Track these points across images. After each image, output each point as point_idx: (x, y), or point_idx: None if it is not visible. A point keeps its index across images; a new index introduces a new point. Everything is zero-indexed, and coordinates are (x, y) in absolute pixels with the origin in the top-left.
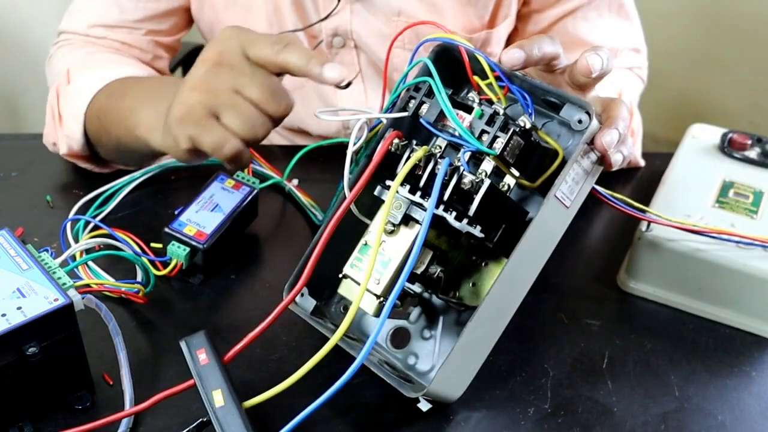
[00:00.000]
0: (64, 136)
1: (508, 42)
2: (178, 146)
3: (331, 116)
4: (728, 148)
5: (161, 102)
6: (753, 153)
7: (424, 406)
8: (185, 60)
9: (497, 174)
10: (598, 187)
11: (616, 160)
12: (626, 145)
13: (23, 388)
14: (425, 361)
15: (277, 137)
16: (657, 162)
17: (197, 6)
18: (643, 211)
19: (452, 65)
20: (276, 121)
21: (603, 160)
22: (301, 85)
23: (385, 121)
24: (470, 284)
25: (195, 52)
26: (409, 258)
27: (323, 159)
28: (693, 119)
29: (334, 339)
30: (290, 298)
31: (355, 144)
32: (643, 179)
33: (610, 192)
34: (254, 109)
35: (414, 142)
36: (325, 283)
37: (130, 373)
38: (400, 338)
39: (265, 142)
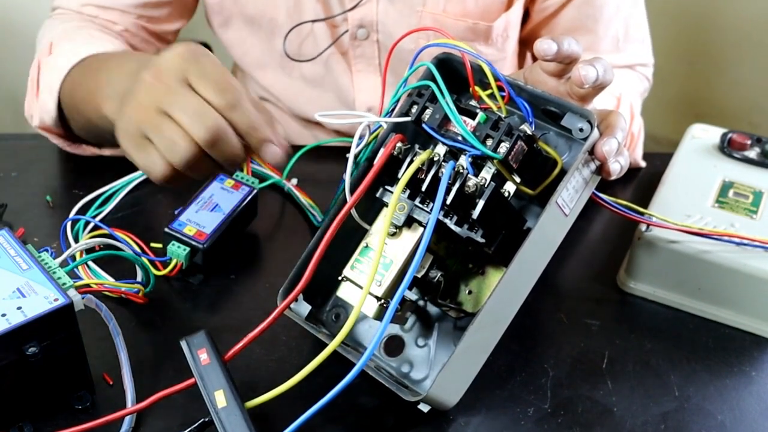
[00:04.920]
0: (38, 108)
1: (522, 41)
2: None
3: (331, 119)
4: (728, 148)
5: (128, 79)
6: (753, 153)
7: (424, 407)
8: None
9: (497, 181)
10: (597, 193)
11: (614, 170)
12: (624, 156)
13: (23, 388)
14: (420, 369)
15: (294, 128)
16: (657, 162)
17: None
18: (643, 214)
19: (450, 75)
20: (202, 148)
21: (602, 169)
22: (320, 82)
23: (385, 125)
24: (467, 292)
25: None
26: (412, 261)
27: (323, 159)
28: (693, 119)
29: (337, 340)
30: (286, 304)
31: (356, 147)
32: (643, 179)
33: (610, 198)
34: (175, 129)
35: (416, 146)
36: (319, 287)
37: (131, 373)
38: (394, 346)
39: None
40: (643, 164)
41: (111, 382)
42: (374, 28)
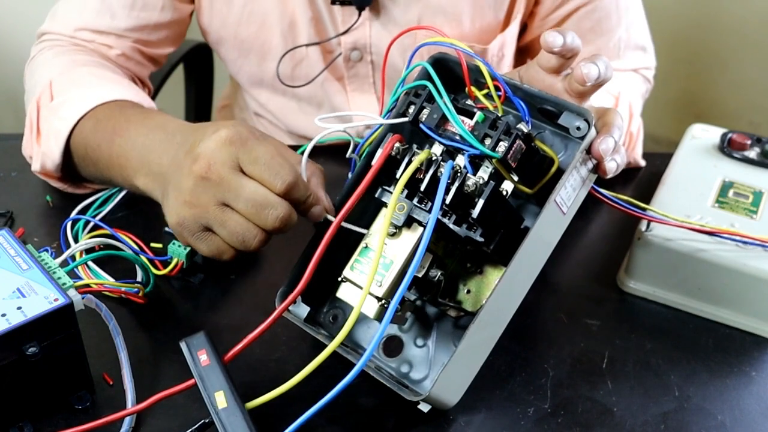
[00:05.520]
0: (41, 153)
1: (520, 50)
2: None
3: (331, 124)
4: (728, 148)
5: (159, 162)
6: (753, 153)
7: (424, 407)
8: (186, 57)
9: (494, 180)
10: (598, 188)
11: (611, 168)
12: (620, 154)
13: (23, 388)
14: (419, 369)
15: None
16: (657, 162)
17: (208, 18)
18: (644, 210)
19: (445, 75)
20: (270, 232)
21: (598, 167)
22: (315, 101)
23: (383, 126)
24: (465, 291)
25: (196, 50)
26: (412, 261)
27: (323, 158)
28: (693, 119)
29: (337, 340)
30: (284, 307)
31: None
32: (643, 179)
33: (610, 192)
34: (243, 223)
35: (415, 146)
36: (317, 289)
37: (131, 373)
38: (393, 347)
39: None
40: (642, 163)
41: (111, 382)
42: (367, 50)
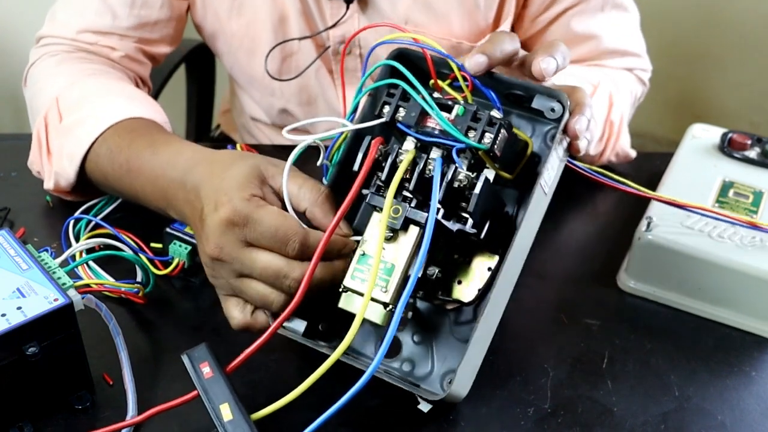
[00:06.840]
0: (53, 172)
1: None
2: None
3: (300, 136)
4: (728, 148)
5: (182, 211)
6: (753, 153)
7: (425, 407)
8: (187, 58)
9: (477, 170)
10: (574, 162)
11: (583, 146)
12: (590, 131)
13: (23, 388)
14: (421, 366)
15: (281, 140)
16: (657, 162)
17: (201, 13)
18: (623, 184)
19: (407, 69)
20: (292, 295)
21: (570, 146)
22: (308, 98)
23: (352, 128)
24: (456, 282)
25: (198, 50)
26: (414, 263)
27: (316, 158)
28: (693, 119)
29: (341, 348)
30: (278, 323)
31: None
32: (643, 179)
33: (586, 165)
34: (262, 289)
35: (396, 147)
36: (312, 302)
37: (131, 373)
38: (391, 348)
39: (266, 142)
40: (633, 154)
41: (111, 382)
42: (356, 44)
